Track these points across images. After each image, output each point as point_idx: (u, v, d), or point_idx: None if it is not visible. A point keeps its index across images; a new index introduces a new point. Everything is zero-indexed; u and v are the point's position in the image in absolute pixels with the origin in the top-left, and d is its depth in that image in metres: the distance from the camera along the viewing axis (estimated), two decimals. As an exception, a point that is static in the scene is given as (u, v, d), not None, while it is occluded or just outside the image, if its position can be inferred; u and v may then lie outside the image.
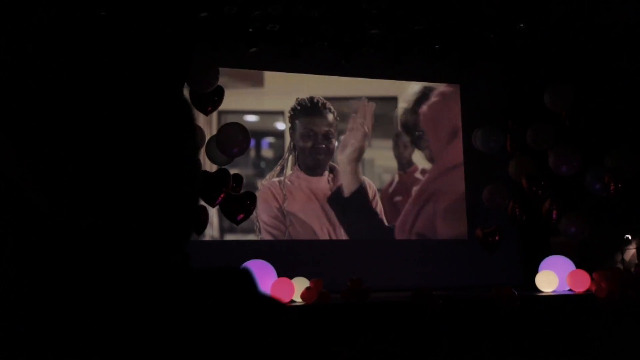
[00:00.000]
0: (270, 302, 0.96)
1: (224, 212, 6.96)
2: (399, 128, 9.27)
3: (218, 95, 7.25)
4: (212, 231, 8.08)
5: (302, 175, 8.65)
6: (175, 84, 1.00)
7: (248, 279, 0.96)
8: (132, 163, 0.87)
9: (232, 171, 7.25)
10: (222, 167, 7.06)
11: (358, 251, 8.47)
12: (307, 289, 6.61)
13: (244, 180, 7.39)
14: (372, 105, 9.06)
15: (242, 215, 6.87)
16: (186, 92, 7.31)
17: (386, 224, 8.88)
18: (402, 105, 9.30)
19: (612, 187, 7.37)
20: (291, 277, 6.73)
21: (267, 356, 0.89)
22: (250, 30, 7.72)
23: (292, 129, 8.72)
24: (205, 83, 6.92)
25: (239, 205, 6.91)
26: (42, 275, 0.83)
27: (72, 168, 0.84)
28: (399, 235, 8.89)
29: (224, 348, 0.87)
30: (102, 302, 0.84)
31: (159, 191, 0.90)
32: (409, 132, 9.28)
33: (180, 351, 0.85)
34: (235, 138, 6.95)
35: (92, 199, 0.84)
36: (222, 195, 6.64)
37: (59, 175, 0.84)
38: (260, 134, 8.65)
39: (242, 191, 7.13)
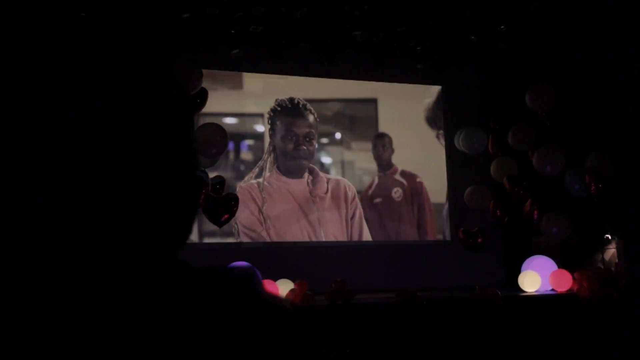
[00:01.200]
0: (275, 302, 0.96)
1: (206, 214, 6.91)
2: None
3: (201, 97, 7.21)
4: (191, 235, 8.00)
5: (282, 177, 8.61)
6: (176, 84, 0.99)
7: (251, 278, 0.96)
8: (128, 166, 0.86)
9: (212, 174, 7.24)
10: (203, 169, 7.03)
11: (341, 253, 8.46)
12: (292, 291, 6.59)
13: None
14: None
15: (226, 216, 6.86)
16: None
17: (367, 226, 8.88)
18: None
19: (592, 188, 7.45)
20: (275, 280, 6.70)
21: (270, 354, 0.89)
22: (233, 31, 7.67)
23: (272, 130, 8.67)
24: (188, 85, 6.88)
25: (222, 206, 6.89)
26: (38, 281, 0.81)
27: (66, 173, 0.83)
28: (382, 236, 8.90)
29: (227, 347, 0.86)
30: (100, 305, 0.82)
31: (157, 193, 0.89)
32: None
33: (182, 349, 0.84)
34: (214, 139, 6.91)
35: (88, 203, 0.83)
36: (201, 197, 6.63)
37: (53, 181, 0.83)
38: (239, 137, 8.60)
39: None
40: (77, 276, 0.82)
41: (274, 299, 0.98)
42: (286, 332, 0.95)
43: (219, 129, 7.03)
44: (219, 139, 6.94)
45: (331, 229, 8.67)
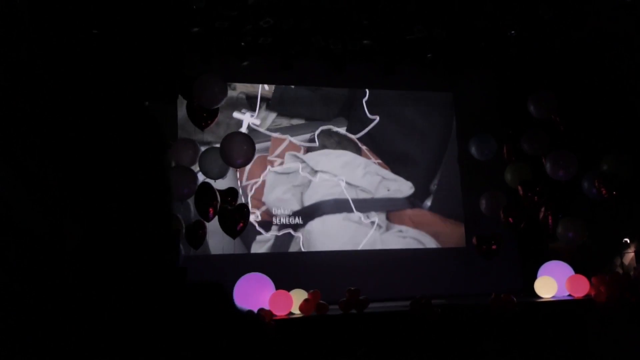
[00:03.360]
0: (243, 316, 0.97)
1: (222, 226, 6.96)
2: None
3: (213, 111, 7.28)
4: (208, 246, 8.05)
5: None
6: (147, 108, 1.01)
7: (220, 293, 0.97)
8: (108, 182, 0.88)
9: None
10: (212, 180, 7.10)
11: (355, 261, 8.45)
12: (306, 300, 6.57)
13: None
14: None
15: (241, 224, 6.89)
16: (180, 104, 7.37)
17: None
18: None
19: (603, 192, 7.38)
20: (289, 289, 6.70)
21: None
22: (242, 44, 7.73)
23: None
24: (213, 99, 6.95)
25: (237, 215, 6.92)
26: (35, 291, 0.83)
27: (60, 185, 0.85)
28: (396, 244, 8.86)
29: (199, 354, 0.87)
30: (79, 309, 0.84)
31: (134, 207, 0.91)
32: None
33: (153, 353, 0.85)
34: (240, 148, 6.95)
35: (70, 213, 0.85)
36: (211, 209, 6.70)
37: (49, 193, 0.85)
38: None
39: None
40: (59, 280, 0.84)
41: (244, 312, 1.00)
42: (259, 343, 0.96)
43: (247, 138, 7.12)
44: (246, 148, 6.99)
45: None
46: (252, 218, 8.19)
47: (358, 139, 9.00)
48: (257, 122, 8.60)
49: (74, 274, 0.90)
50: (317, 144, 8.81)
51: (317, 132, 8.84)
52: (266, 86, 8.70)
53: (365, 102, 9.08)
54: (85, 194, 0.91)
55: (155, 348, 0.89)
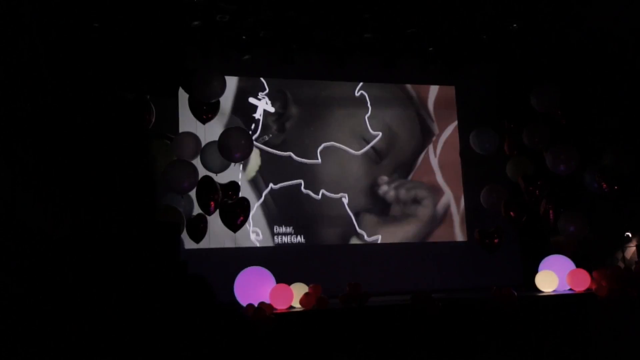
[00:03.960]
0: (227, 309, 0.97)
1: (223, 220, 6.97)
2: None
3: (214, 106, 7.28)
4: (209, 239, 8.05)
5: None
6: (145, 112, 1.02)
7: (202, 286, 0.98)
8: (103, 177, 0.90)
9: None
10: (215, 174, 7.11)
11: (356, 255, 8.46)
12: (306, 294, 6.58)
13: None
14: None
15: (242, 218, 6.92)
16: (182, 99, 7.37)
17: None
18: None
19: (604, 186, 7.39)
20: (290, 283, 6.70)
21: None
22: (243, 37, 7.71)
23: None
24: (212, 93, 6.97)
25: (239, 208, 6.95)
26: (35, 290, 0.85)
27: (60, 184, 0.86)
28: (396, 238, 8.85)
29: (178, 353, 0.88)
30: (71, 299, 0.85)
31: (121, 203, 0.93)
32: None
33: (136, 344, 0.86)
34: (238, 143, 6.96)
35: (77, 215, 0.87)
36: (212, 203, 6.74)
37: (50, 190, 0.87)
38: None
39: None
40: (58, 278, 0.86)
41: (229, 305, 1.00)
42: (241, 336, 0.97)
43: (244, 132, 7.11)
44: (244, 143, 7.00)
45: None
46: (252, 237, 8.22)
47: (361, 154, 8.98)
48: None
49: (73, 273, 0.91)
50: (319, 160, 8.77)
51: (319, 149, 8.81)
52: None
53: (368, 118, 9.05)
54: (83, 193, 0.92)
55: (143, 338, 0.90)
